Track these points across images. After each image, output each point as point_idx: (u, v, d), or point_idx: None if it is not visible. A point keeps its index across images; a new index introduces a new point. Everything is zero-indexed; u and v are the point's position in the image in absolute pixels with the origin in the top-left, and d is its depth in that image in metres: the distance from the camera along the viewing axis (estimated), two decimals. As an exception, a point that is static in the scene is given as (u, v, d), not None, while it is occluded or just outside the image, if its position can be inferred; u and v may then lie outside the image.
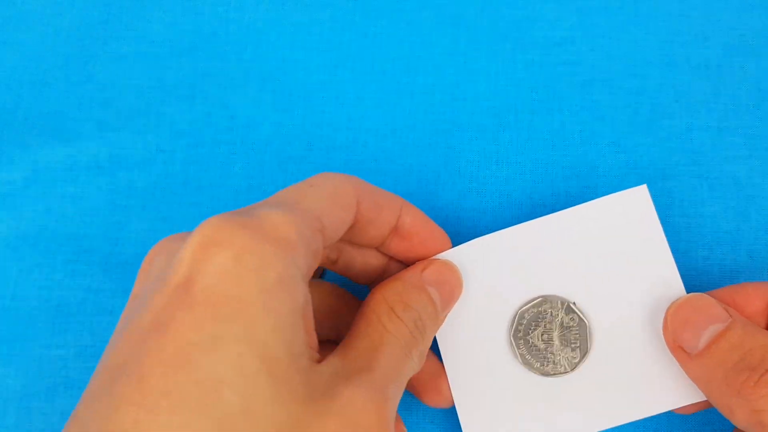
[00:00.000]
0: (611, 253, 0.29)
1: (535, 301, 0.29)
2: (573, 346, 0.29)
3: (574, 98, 0.36)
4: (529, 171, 0.35)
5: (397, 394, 0.24)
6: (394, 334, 0.25)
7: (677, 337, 0.27)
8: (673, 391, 0.28)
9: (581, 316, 0.29)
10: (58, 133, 0.36)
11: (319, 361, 0.22)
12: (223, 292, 0.20)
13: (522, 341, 0.29)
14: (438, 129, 0.36)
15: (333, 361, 0.23)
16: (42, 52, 0.38)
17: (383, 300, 0.26)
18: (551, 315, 0.29)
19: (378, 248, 0.29)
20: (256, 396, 0.20)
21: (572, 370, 0.29)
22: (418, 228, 0.29)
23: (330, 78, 0.37)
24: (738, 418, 0.25)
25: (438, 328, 0.28)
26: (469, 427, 0.29)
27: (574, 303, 0.29)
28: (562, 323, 0.29)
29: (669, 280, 0.29)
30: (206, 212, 0.35)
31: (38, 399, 0.33)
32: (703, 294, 0.27)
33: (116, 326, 0.23)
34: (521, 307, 0.29)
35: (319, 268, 0.33)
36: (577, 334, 0.29)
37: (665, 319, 0.28)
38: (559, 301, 0.29)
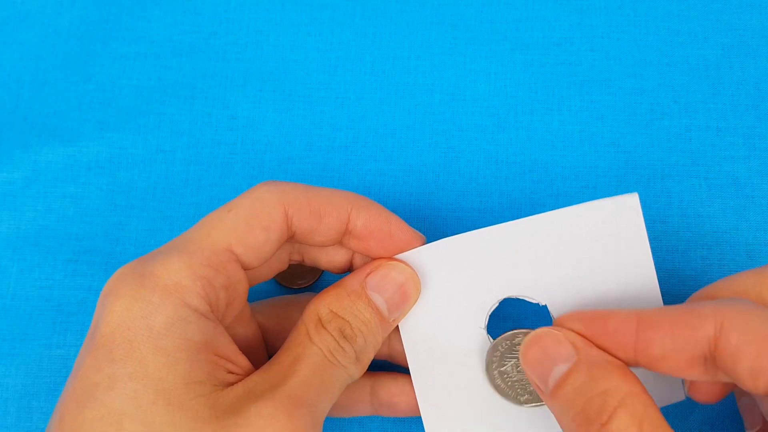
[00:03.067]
0: (591, 261, 0.28)
1: (510, 332, 0.28)
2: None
3: (574, 98, 0.36)
4: (528, 171, 0.35)
5: (320, 398, 0.25)
6: (318, 345, 0.26)
7: (530, 373, 0.26)
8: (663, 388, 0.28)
9: None
10: (59, 133, 0.36)
11: (237, 382, 0.25)
12: (117, 336, 0.24)
13: (497, 372, 0.28)
14: (438, 129, 0.36)
15: (252, 379, 0.25)
16: (42, 52, 0.38)
17: (315, 310, 0.27)
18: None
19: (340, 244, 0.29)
20: (155, 423, 0.23)
21: (522, 405, 0.28)
22: (372, 230, 0.28)
23: (330, 78, 0.37)
24: None
25: (386, 332, 0.28)
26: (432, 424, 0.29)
27: (543, 306, 0.28)
28: None
29: (648, 296, 0.27)
30: (206, 212, 0.35)
31: (39, 398, 0.33)
32: (550, 330, 0.26)
33: None
34: (497, 339, 0.28)
35: (317, 269, 0.34)
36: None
37: (519, 353, 0.27)
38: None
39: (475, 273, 0.28)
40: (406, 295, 0.28)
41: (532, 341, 0.26)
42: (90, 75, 0.37)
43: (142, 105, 0.37)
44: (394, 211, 0.35)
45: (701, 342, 0.23)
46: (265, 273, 0.29)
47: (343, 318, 0.27)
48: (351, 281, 0.28)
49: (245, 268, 0.27)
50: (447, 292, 0.29)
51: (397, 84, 0.37)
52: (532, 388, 0.28)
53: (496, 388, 0.28)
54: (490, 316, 0.29)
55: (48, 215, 0.35)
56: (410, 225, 0.35)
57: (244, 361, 0.26)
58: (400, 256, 0.29)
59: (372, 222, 0.28)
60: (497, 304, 0.29)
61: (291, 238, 0.28)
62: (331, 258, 0.30)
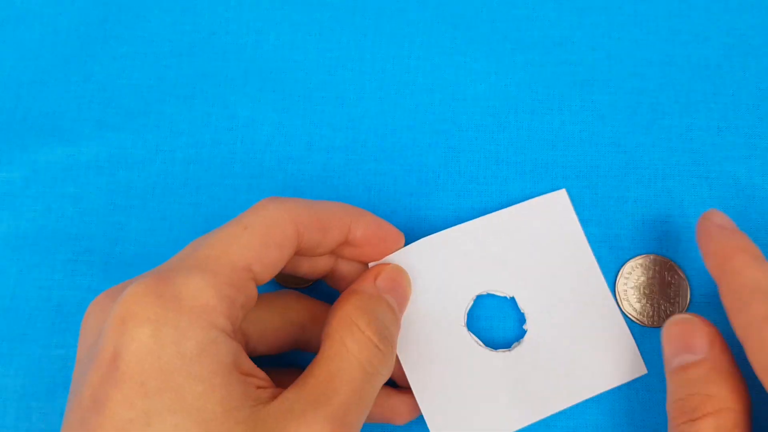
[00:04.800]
0: (541, 250, 0.32)
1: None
2: None
3: (574, 98, 0.36)
4: (529, 171, 0.35)
5: (359, 418, 0.25)
6: (356, 355, 0.26)
7: (663, 348, 0.28)
8: (597, 378, 0.31)
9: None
10: (58, 132, 0.36)
11: (272, 399, 0.24)
12: (147, 367, 0.22)
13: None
14: (438, 129, 0.36)
15: (288, 396, 0.24)
16: (42, 52, 0.38)
17: (346, 317, 0.27)
18: None
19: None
20: None
21: (510, 349, 0.31)
22: (370, 237, 0.29)
23: (330, 78, 0.37)
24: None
25: (398, 332, 0.29)
26: (428, 409, 0.31)
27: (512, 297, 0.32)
28: None
29: (591, 276, 0.32)
30: (206, 212, 0.35)
31: (38, 399, 0.33)
32: (699, 320, 0.28)
33: (68, 396, 0.25)
34: (468, 305, 0.32)
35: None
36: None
37: (666, 324, 0.28)
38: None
39: (447, 271, 0.32)
40: (406, 295, 0.30)
41: (680, 321, 0.28)
42: (89, 75, 0.37)
43: (141, 105, 0.37)
44: (395, 211, 0.35)
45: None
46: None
47: (378, 318, 0.27)
48: (365, 286, 0.29)
49: (258, 284, 0.27)
50: (428, 290, 0.31)
51: (397, 84, 0.37)
52: None
53: (473, 339, 0.31)
54: (468, 314, 0.32)
55: (47, 215, 0.35)
56: (410, 225, 0.35)
57: (263, 374, 0.25)
58: (388, 258, 0.31)
59: (369, 230, 0.29)
60: (472, 302, 0.31)
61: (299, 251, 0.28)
62: (313, 265, 0.30)
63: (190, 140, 0.36)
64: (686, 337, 0.27)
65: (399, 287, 0.30)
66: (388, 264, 0.31)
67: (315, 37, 0.38)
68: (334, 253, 0.30)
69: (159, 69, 0.37)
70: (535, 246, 0.32)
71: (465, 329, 0.31)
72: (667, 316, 0.31)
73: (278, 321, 0.29)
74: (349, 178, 0.35)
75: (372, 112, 0.36)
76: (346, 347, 0.26)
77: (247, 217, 0.26)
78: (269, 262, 0.26)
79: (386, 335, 0.27)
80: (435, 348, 0.31)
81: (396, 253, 0.31)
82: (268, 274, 0.26)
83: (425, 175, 0.35)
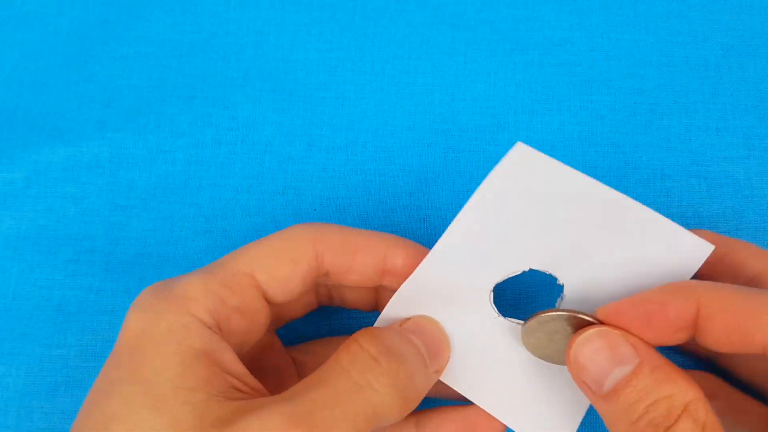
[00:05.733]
0: (630, 273, 0.27)
1: (544, 315, 0.27)
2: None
3: (574, 98, 0.36)
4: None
5: (332, 428, 0.22)
6: (346, 366, 0.24)
7: (582, 374, 0.25)
8: None
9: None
10: (59, 133, 0.36)
11: (242, 398, 0.24)
12: (125, 344, 0.24)
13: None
14: (438, 129, 0.36)
15: (260, 399, 0.23)
16: (42, 52, 0.38)
17: (352, 338, 0.25)
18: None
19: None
20: (137, 426, 0.22)
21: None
22: (412, 266, 0.28)
23: (330, 78, 0.37)
24: None
25: (429, 384, 0.26)
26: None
27: (554, 277, 0.28)
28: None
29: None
30: (206, 212, 0.35)
31: (39, 398, 0.33)
32: (610, 330, 0.25)
33: None
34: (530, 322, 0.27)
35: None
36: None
37: (569, 351, 0.25)
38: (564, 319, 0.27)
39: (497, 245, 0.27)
40: (440, 346, 0.27)
41: (586, 340, 0.24)
42: (90, 75, 0.37)
43: (142, 105, 0.37)
44: (394, 211, 0.35)
45: (754, 345, 0.24)
46: (295, 311, 0.30)
47: (385, 341, 0.25)
48: (386, 327, 0.27)
49: (270, 300, 0.27)
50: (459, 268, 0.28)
51: (397, 84, 0.37)
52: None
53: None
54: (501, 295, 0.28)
55: (48, 215, 0.35)
56: (410, 225, 0.35)
57: (256, 384, 0.25)
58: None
59: (410, 259, 0.28)
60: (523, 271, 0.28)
61: (324, 276, 0.28)
62: (358, 294, 0.30)
63: (191, 140, 0.36)
64: (604, 354, 0.24)
65: (428, 333, 0.27)
66: (422, 315, 0.28)
67: (315, 37, 0.38)
68: (382, 283, 0.28)
69: (160, 69, 0.37)
70: (633, 266, 0.27)
71: (501, 318, 0.28)
72: None
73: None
74: (349, 178, 0.35)
75: (372, 112, 0.36)
76: (338, 359, 0.24)
77: (272, 234, 0.27)
78: (280, 275, 0.26)
79: (396, 355, 0.24)
80: (460, 325, 0.28)
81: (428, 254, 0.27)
82: (278, 288, 0.26)
83: (425, 175, 0.35)
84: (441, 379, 0.27)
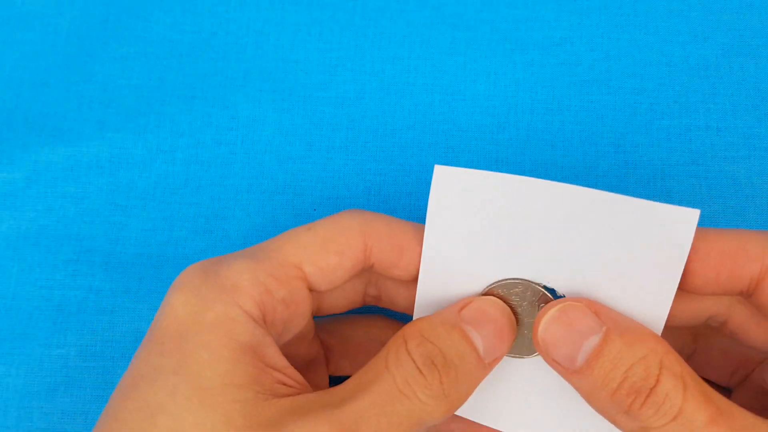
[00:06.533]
0: (619, 259, 0.25)
1: (505, 282, 0.26)
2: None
3: (574, 98, 0.36)
4: (528, 171, 0.35)
5: None
6: (392, 372, 0.23)
7: (552, 353, 0.24)
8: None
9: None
10: (59, 133, 0.36)
11: (290, 395, 0.23)
12: (169, 330, 0.24)
13: None
14: (438, 129, 0.36)
15: (307, 397, 0.23)
16: (43, 52, 0.38)
17: (401, 335, 0.24)
18: (523, 296, 0.27)
19: None
20: (186, 420, 0.22)
21: (529, 356, 0.27)
22: None
23: (330, 78, 0.37)
24: (626, 430, 0.23)
25: (480, 378, 0.25)
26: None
27: (550, 288, 0.26)
28: (532, 306, 0.27)
29: (654, 315, 0.25)
30: (206, 212, 0.35)
31: (39, 398, 0.33)
32: (573, 303, 0.24)
33: None
34: (491, 284, 0.26)
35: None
36: None
37: (534, 331, 0.25)
38: (538, 286, 0.26)
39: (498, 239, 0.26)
40: (504, 336, 0.25)
41: (551, 319, 0.24)
42: (90, 75, 0.37)
43: (142, 105, 0.37)
44: (394, 211, 0.35)
45: (742, 280, 0.24)
46: (338, 304, 0.29)
47: (433, 343, 0.24)
48: (444, 312, 0.25)
49: (313, 289, 0.26)
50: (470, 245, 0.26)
51: (397, 84, 0.37)
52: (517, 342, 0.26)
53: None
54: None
55: (48, 215, 0.35)
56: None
57: (298, 377, 0.25)
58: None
59: None
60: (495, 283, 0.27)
61: (370, 268, 0.27)
62: (407, 295, 0.29)
63: (191, 140, 0.36)
64: (572, 329, 0.24)
65: (490, 324, 0.25)
66: (488, 297, 0.26)
67: (315, 37, 0.38)
68: None
69: (160, 69, 0.37)
70: (619, 250, 0.25)
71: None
72: None
73: (361, 336, 0.27)
74: (349, 178, 0.35)
75: (372, 112, 0.36)
76: (386, 362, 0.24)
77: (318, 221, 0.26)
78: (326, 266, 0.26)
79: (440, 363, 0.23)
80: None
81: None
82: (325, 279, 0.26)
83: (425, 175, 0.35)
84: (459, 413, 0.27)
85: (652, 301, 0.25)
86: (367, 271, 0.28)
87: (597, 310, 0.24)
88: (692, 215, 0.24)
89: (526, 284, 0.26)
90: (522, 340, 0.27)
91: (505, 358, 0.26)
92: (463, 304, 0.26)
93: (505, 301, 0.26)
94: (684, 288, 0.25)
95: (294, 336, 0.27)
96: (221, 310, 0.24)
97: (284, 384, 0.24)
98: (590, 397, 0.24)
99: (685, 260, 0.24)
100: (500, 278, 0.26)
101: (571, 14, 0.37)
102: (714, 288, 0.24)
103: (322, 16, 0.38)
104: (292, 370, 0.25)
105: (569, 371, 0.24)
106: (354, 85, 0.37)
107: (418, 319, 0.25)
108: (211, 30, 0.38)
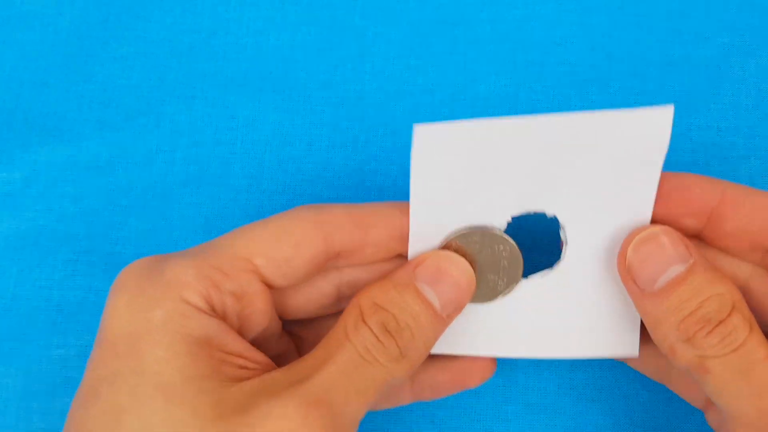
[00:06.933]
0: (599, 170, 0.25)
1: (471, 228, 0.26)
2: (500, 277, 0.27)
3: (574, 98, 0.36)
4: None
5: (347, 405, 0.23)
6: (353, 341, 0.24)
7: (633, 272, 0.25)
8: (599, 341, 0.28)
9: (514, 247, 0.27)
10: (58, 132, 0.36)
11: (252, 376, 0.24)
12: (119, 331, 0.24)
13: None
14: (438, 129, 0.36)
15: (271, 375, 0.24)
16: (42, 52, 0.38)
17: (356, 304, 0.25)
18: (484, 243, 0.27)
19: None
20: (152, 418, 0.22)
21: (492, 300, 0.28)
22: None
23: (330, 78, 0.37)
24: (679, 360, 0.24)
25: (440, 330, 0.26)
26: None
27: (503, 231, 0.27)
28: (494, 253, 0.27)
29: (639, 214, 0.26)
30: (206, 212, 0.35)
31: (38, 399, 0.33)
32: (669, 228, 0.25)
33: None
34: (451, 235, 0.27)
35: None
36: (506, 267, 0.27)
37: (623, 249, 0.25)
38: (497, 231, 0.27)
39: (484, 178, 0.26)
40: (461, 289, 0.26)
41: (644, 239, 0.25)
42: (90, 75, 0.37)
43: (142, 105, 0.37)
44: (394, 211, 0.35)
45: None
46: (306, 306, 0.28)
47: (386, 310, 0.25)
48: (399, 273, 0.26)
49: (271, 284, 0.26)
50: (461, 190, 0.26)
51: (397, 84, 0.37)
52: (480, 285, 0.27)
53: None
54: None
55: (48, 215, 0.35)
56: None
57: (260, 356, 0.25)
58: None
59: None
60: (506, 226, 0.27)
61: (336, 258, 0.26)
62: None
63: (191, 140, 0.36)
64: (665, 250, 0.25)
65: (446, 280, 0.26)
66: (443, 252, 0.26)
67: (315, 37, 0.38)
68: (400, 250, 0.27)
69: (159, 69, 0.37)
70: (598, 162, 0.25)
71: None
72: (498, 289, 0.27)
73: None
74: (349, 178, 0.35)
75: (372, 112, 0.36)
76: (346, 334, 0.24)
77: (273, 216, 0.26)
78: (279, 258, 0.25)
79: (395, 329, 0.24)
80: None
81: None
82: (280, 272, 0.25)
83: (425, 175, 0.35)
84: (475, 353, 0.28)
85: (636, 205, 0.26)
86: (336, 271, 0.28)
87: (687, 242, 0.25)
88: (667, 111, 0.24)
89: (483, 231, 0.26)
90: (485, 287, 0.27)
91: (468, 305, 0.27)
92: (417, 262, 0.26)
93: (464, 252, 0.27)
94: (714, 235, 0.26)
95: (258, 334, 0.27)
96: (170, 307, 0.24)
97: (247, 368, 0.24)
98: (656, 322, 0.25)
99: (665, 152, 0.25)
100: (471, 226, 0.27)
101: (571, 13, 0.37)
102: (743, 238, 0.26)
103: (322, 16, 0.38)
104: (254, 352, 0.25)
105: (644, 294, 0.25)
106: (354, 85, 0.37)
107: (372, 284, 0.25)
108: (210, 30, 0.38)
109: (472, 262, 0.26)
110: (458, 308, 0.26)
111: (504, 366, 0.33)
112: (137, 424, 0.22)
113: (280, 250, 0.25)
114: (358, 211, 0.26)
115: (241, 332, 0.26)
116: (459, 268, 0.26)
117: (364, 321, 0.24)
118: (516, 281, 0.27)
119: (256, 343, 0.27)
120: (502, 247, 0.27)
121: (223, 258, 0.25)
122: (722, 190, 0.26)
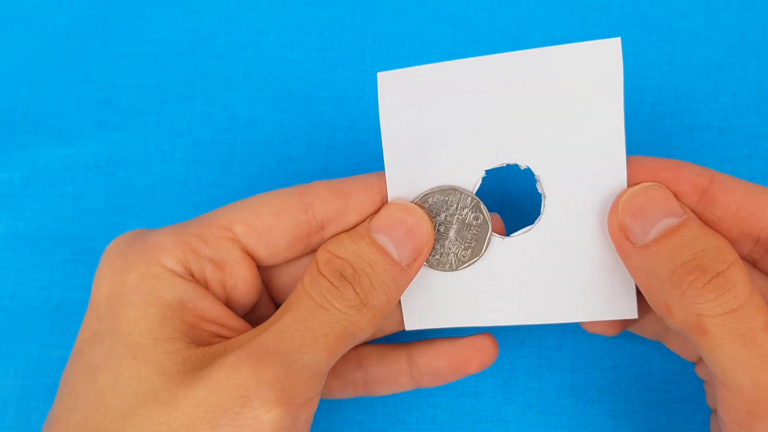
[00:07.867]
0: (565, 109, 0.25)
1: (443, 188, 0.26)
2: (467, 245, 0.27)
3: (575, 98, 0.36)
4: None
5: (303, 353, 0.23)
6: (309, 292, 0.24)
7: (625, 224, 0.24)
8: (594, 303, 0.27)
9: (486, 217, 0.27)
10: (57, 132, 0.36)
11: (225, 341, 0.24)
12: (101, 294, 0.25)
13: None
14: (438, 129, 0.36)
15: (236, 339, 0.24)
16: (41, 51, 0.38)
17: (314, 257, 0.25)
18: (456, 207, 0.27)
19: None
20: (122, 375, 0.23)
21: (456, 269, 0.27)
22: None
23: (330, 78, 0.37)
24: (675, 319, 0.23)
25: (404, 279, 0.26)
26: (406, 300, 0.28)
27: (481, 202, 0.27)
28: (464, 219, 0.27)
29: (613, 152, 0.25)
30: (205, 212, 0.35)
31: (37, 399, 0.33)
32: (662, 186, 0.25)
33: None
34: (429, 190, 0.27)
35: None
36: (475, 234, 0.27)
37: (615, 203, 0.25)
38: (469, 197, 0.27)
39: (456, 124, 0.26)
40: (416, 236, 0.26)
41: (642, 191, 0.24)
42: (89, 75, 0.37)
43: (141, 105, 0.37)
44: (394, 211, 0.35)
45: (763, 224, 0.24)
46: (294, 281, 0.28)
47: (342, 258, 0.25)
48: (356, 227, 0.26)
49: (253, 255, 0.26)
50: (433, 144, 0.26)
51: (397, 84, 0.37)
52: (446, 252, 0.27)
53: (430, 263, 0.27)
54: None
55: (47, 215, 0.35)
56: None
57: (238, 323, 0.26)
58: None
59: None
60: (481, 181, 0.27)
61: (320, 230, 0.26)
62: None
63: (190, 140, 0.36)
64: (656, 204, 0.24)
65: (400, 228, 0.25)
66: (397, 202, 0.26)
67: (315, 37, 0.38)
68: None
69: (158, 69, 0.37)
70: (558, 104, 0.25)
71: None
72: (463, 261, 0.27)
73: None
74: (349, 178, 0.35)
75: (372, 112, 0.36)
76: (302, 286, 0.25)
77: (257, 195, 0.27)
78: (260, 226, 0.26)
79: (350, 275, 0.24)
80: None
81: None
82: (262, 241, 0.26)
83: (425, 175, 0.35)
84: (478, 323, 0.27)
85: (607, 138, 0.25)
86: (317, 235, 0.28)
87: (682, 203, 0.25)
88: (615, 42, 0.24)
89: (450, 191, 0.27)
90: (448, 252, 0.27)
91: (435, 272, 0.27)
92: (369, 218, 0.26)
93: (429, 209, 0.27)
94: (704, 222, 0.25)
95: (250, 312, 0.28)
96: (144, 270, 0.25)
97: (221, 335, 0.25)
98: (648, 277, 0.24)
99: (621, 85, 0.25)
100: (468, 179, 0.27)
101: (571, 13, 0.37)
102: (732, 225, 0.25)
103: (322, 15, 0.38)
104: (233, 319, 0.26)
105: (634, 247, 0.24)
106: (354, 85, 0.37)
107: (330, 239, 0.26)
108: (210, 30, 0.38)
109: (441, 224, 0.27)
110: (418, 257, 0.26)
111: (504, 367, 0.33)
112: (110, 380, 0.23)
113: (260, 218, 0.26)
114: (338, 182, 0.27)
115: (229, 304, 0.27)
116: (414, 216, 0.26)
117: (319, 270, 0.25)
118: (482, 249, 0.27)
119: (251, 322, 0.27)
120: (473, 215, 0.27)
121: (202, 226, 0.26)
122: (712, 173, 0.25)
